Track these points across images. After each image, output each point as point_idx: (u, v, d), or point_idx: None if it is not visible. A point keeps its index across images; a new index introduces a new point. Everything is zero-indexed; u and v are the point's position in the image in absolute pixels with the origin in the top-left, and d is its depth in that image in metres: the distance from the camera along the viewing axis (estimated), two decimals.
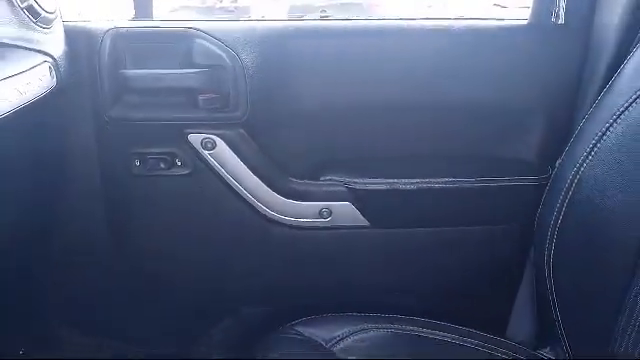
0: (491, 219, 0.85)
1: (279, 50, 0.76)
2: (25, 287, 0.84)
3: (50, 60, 0.61)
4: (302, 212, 0.82)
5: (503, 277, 0.88)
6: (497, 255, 0.87)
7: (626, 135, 0.63)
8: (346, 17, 0.92)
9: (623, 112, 0.64)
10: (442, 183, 0.83)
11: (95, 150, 0.77)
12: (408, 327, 0.79)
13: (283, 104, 0.78)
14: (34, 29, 0.61)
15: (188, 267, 0.85)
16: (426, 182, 0.82)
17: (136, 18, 0.84)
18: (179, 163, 0.77)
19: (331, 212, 0.82)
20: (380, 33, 0.84)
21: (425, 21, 0.86)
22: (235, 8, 4.69)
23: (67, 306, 0.87)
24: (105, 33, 0.72)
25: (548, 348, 0.82)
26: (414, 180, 0.82)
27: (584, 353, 0.68)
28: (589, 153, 0.66)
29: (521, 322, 0.88)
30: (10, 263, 0.75)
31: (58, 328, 0.87)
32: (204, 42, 0.74)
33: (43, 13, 0.62)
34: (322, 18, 1.13)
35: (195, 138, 0.76)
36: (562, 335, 0.73)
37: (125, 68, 0.73)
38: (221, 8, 4.51)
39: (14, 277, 0.78)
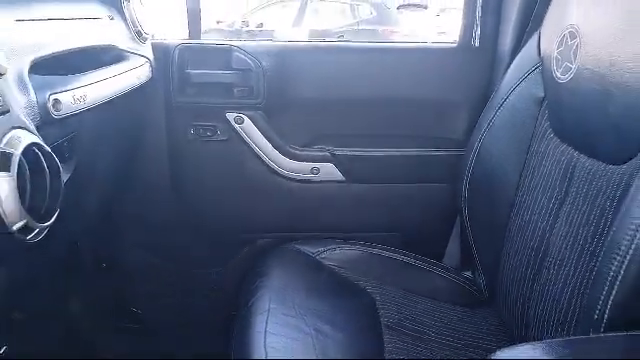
0: (431, 179, 1.22)
1: (288, 60, 1.16)
2: (106, 226, 1.21)
3: (148, 62, 1.01)
4: (299, 170, 1.20)
5: (441, 220, 1.24)
6: (436, 204, 1.23)
7: (504, 120, 1.00)
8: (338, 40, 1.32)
9: (503, 102, 1.01)
10: (396, 153, 1.21)
11: (164, 123, 1.17)
12: (373, 249, 1.16)
13: (289, 96, 1.17)
14: (139, 43, 1.02)
15: (222, 207, 1.23)
16: (385, 151, 1.20)
17: (190, 37, 1.25)
18: (219, 132, 1.17)
19: (319, 170, 1.21)
20: (357, 51, 1.24)
21: (388, 44, 1.25)
22: (260, 31, 5.20)
23: (139, 233, 1.26)
24: (175, 47, 1.12)
25: (470, 271, 1.17)
26: (377, 150, 1.20)
27: (490, 271, 1.00)
28: (485, 130, 1.03)
29: (452, 252, 1.24)
30: (96, 206, 1.09)
31: (130, 249, 1.27)
32: (238, 54, 1.14)
33: (143, 34, 1.03)
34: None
35: (230, 116, 1.16)
36: (477, 259, 1.07)
37: (187, 69, 1.13)
38: (248, 31, 5.01)
39: (99, 216, 1.15)
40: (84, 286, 1.16)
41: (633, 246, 0.58)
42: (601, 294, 0.61)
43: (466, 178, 1.05)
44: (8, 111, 0.50)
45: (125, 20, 0.98)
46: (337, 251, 1.13)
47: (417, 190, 1.23)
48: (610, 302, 0.59)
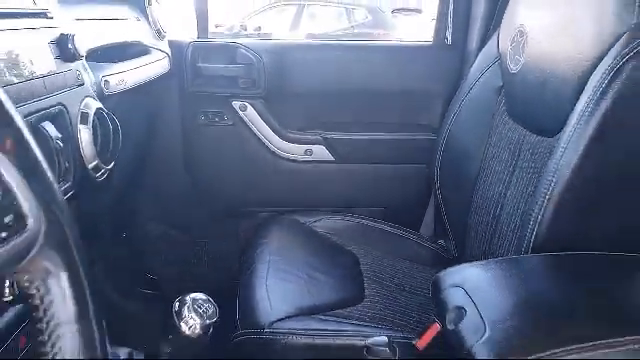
0: (409, 160, 1.40)
1: (286, 56, 1.34)
2: (126, 199, 1.38)
3: (167, 56, 1.20)
4: (295, 151, 1.38)
5: (418, 195, 1.42)
6: (413, 182, 1.41)
7: (469, 107, 1.18)
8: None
9: (469, 92, 1.19)
10: (379, 137, 1.39)
11: (178, 109, 1.35)
12: (359, 219, 1.33)
13: (286, 87, 1.35)
14: (158, 40, 1.20)
15: (228, 184, 1.41)
16: (370, 135, 1.39)
17: (199, 36, 1.42)
18: (225, 118, 1.35)
19: (312, 152, 1.39)
20: (346, 48, 1.42)
21: (373, 42, 1.44)
22: (258, 34, 5.41)
23: (155, 206, 1.43)
24: (189, 44, 1.31)
25: (444, 241, 1.34)
26: (363, 134, 1.39)
27: (459, 236, 1.15)
28: (453, 116, 1.21)
29: (428, 223, 1.42)
30: (120, 178, 1.26)
31: (147, 220, 1.44)
32: (242, 50, 1.32)
33: (162, 32, 1.21)
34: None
35: (235, 104, 1.34)
36: (448, 228, 1.25)
37: (199, 64, 1.31)
38: (246, 35, 5.20)
39: (122, 188, 1.32)
40: (106, 252, 1.33)
41: (550, 192, 0.77)
42: (530, 232, 0.79)
43: (438, 158, 1.23)
44: (83, 84, 0.68)
45: (148, 20, 1.16)
46: (328, 221, 1.31)
47: (398, 169, 1.41)
48: (534, 235, 0.77)
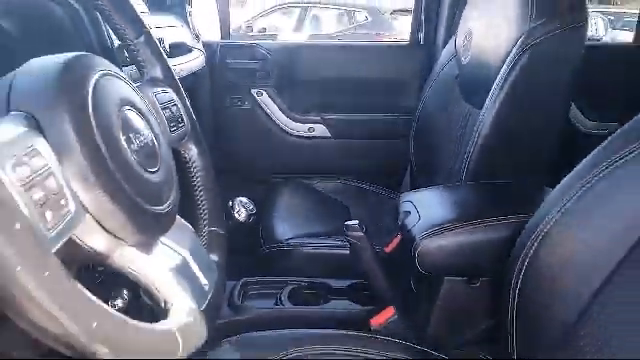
0: (391, 135, 1.77)
1: (292, 54, 1.71)
2: None
3: (202, 54, 1.57)
4: (300, 129, 1.75)
5: (398, 164, 1.78)
6: (393, 153, 1.77)
7: (436, 92, 1.54)
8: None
9: (435, 80, 1.56)
10: (367, 117, 1.76)
11: (209, 95, 1.72)
12: (350, 182, 1.70)
13: (293, 78, 1.73)
14: (196, 41, 1.57)
15: (247, 155, 1.78)
16: (360, 116, 1.75)
17: (222, 37, 1.79)
18: (246, 102, 1.72)
19: (314, 129, 1.76)
20: (340, 48, 1.79)
21: (362, 43, 1.81)
22: (262, 36, 5.80)
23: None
24: (218, 45, 1.68)
25: None
26: (355, 114, 1.75)
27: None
28: (423, 101, 1.58)
29: (405, 184, 1.79)
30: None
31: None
32: (259, 49, 1.69)
33: (199, 36, 1.58)
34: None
35: (253, 91, 1.71)
36: (420, 186, 1.62)
37: (226, 60, 1.68)
38: (251, 36, 5.59)
39: None
40: None
41: (476, 137, 1.13)
42: (463, 167, 1.15)
43: (412, 132, 1.60)
44: None
45: (188, 27, 1.53)
46: (326, 183, 1.68)
47: (381, 143, 1.78)
48: (465, 170, 1.14)
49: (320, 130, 1.76)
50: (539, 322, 0.66)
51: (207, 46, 1.65)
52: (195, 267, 0.53)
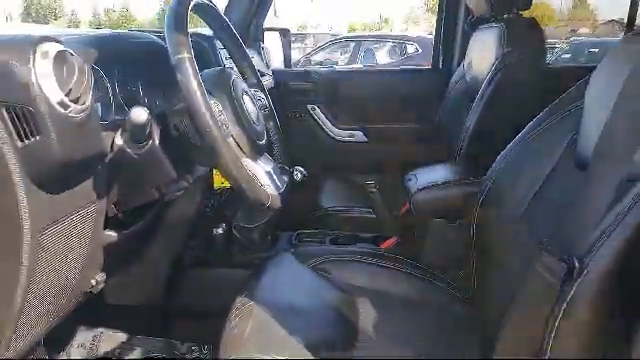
0: (413, 141, 2.22)
1: (337, 78, 2.24)
2: None
3: (272, 77, 2.12)
4: (343, 135, 2.25)
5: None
6: (412, 157, 2.22)
7: (450, 103, 2.01)
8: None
9: (450, 94, 2.03)
10: (398, 126, 2.23)
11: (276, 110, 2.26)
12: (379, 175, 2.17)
13: (338, 96, 2.23)
14: (267, 68, 2.12)
15: (300, 155, 2.29)
16: (391, 125, 2.23)
17: (286, 67, 2.35)
18: (303, 115, 2.24)
19: (354, 135, 2.25)
20: (376, 72, 2.29)
21: (394, 68, 2.30)
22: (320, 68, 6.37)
23: None
24: (283, 71, 2.23)
25: None
26: (387, 123, 2.23)
27: None
28: (441, 111, 2.04)
29: None
30: None
31: None
32: (312, 74, 2.23)
33: (269, 64, 2.14)
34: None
35: (309, 106, 2.24)
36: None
37: (289, 83, 2.23)
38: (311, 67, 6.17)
39: None
40: None
41: (466, 134, 1.58)
42: (456, 155, 1.60)
43: (435, 134, 2.06)
44: None
45: (261, 57, 2.09)
46: (361, 176, 2.15)
47: (408, 147, 2.23)
48: (460, 156, 1.59)
49: (359, 136, 2.25)
50: (492, 238, 1.05)
51: (275, 72, 2.20)
52: (274, 176, 1.03)
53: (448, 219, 1.36)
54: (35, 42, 0.66)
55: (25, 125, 0.65)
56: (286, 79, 2.22)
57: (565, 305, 0.66)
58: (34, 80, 0.64)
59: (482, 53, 1.72)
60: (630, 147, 0.66)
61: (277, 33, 2.28)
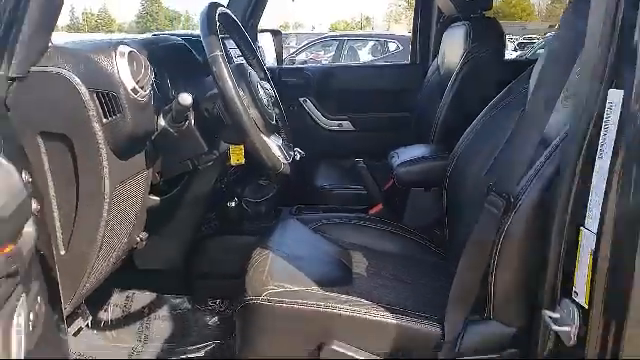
0: (391, 128, 2.49)
1: (327, 73, 2.49)
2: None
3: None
4: (332, 124, 2.50)
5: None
6: (394, 142, 2.49)
7: (426, 95, 2.27)
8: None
9: (424, 87, 2.30)
10: (380, 115, 2.49)
11: None
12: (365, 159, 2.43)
13: (327, 89, 2.49)
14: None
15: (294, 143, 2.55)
16: (373, 115, 2.49)
17: (277, 64, 2.59)
18: (296, 107, 2.49)
19: (342, 125, 2.50)
20: (360, 68, 2.56)
21: (375, 64, 2.56)
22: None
23: None
24: (277, 68, 2.48)
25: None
26: (371, 113, 2.49)
27: None
28: (418, 101, 2.31)
29: None
30: None
31: None
32: (305, 71, 2.48)
33: (264, 61, 2.39)
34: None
35: (300, 98, 2.48)
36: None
37: (282, 78, 2.47)
38: (297, 64, 6.42)
39: None
40: None
41: (439, 116, 1.85)
42: (432, 136, 1.87)
43: (412, 122, 2.33)
44: None
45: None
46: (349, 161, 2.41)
47: (389, 133, 2.50)
48: (435, 132, 1.85)
49: (347, 125, 2.51)
50: (459, 200, 1.31)
51: (269, 69, 2.44)
52: (283, 149, 1.28)
53: (425, 188, 1.63)
54: (115, 45, 0.90)
55: (109, 106, 0.89)
56: (279, 75, 2.47)
57: (506, 228, 0.92)
58: (116, 72, 0.88)
59: (452, 49, 1.99)
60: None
61: (269, 34, 2.53)
